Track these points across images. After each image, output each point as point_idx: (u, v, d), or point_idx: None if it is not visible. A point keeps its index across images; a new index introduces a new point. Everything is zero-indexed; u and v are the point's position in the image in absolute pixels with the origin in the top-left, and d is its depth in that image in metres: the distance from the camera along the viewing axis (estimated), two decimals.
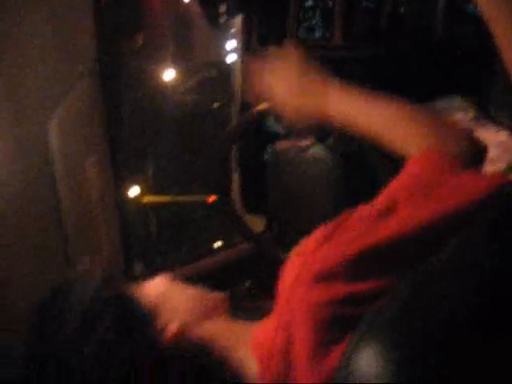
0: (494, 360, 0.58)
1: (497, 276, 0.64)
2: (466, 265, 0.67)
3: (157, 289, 0.99)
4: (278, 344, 0.78)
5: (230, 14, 1.65)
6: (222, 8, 1.60)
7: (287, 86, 0.95)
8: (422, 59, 1.90)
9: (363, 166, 1.84)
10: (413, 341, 0.60)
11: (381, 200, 0.78)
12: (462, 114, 1.53)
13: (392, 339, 0.61)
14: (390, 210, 0.75)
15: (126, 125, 2.20)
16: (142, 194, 2.57)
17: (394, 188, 0.79)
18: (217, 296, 1.00)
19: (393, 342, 0.61)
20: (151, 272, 1.65)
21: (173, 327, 0.91)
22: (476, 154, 0.81)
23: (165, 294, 0.97)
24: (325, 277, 0.73)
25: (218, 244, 2.49)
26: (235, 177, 2.14)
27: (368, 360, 0.60)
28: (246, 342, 0.90)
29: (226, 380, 0.91)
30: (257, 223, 2.09)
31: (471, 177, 0.76)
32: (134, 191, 2.47)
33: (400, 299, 0.65)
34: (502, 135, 1.41)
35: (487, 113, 1.63)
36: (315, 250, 0.79)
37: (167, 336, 0.90)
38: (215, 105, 2.77)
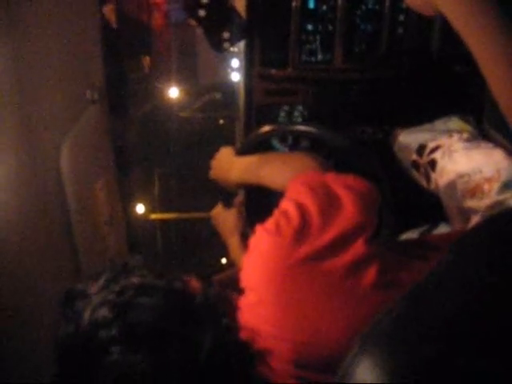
0: (488, 370, 0.59)
1: (493, 289, 0.65)
2: (461, 278, 0.69)
3: None
4: None
5: (233, 40, 1.69)
6: (226, 35, 1.64)
7: None
8: (421, 79, 1.93)
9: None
10: (409, 349, 0.61)
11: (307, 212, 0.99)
12: (457, 135, 1.56)
13: (389, 349, 0.62)
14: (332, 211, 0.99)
15: (134, 145, 2.25)
16: (150, 211, 2.61)
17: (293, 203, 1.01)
18: None
19: (388, 353, 0.62)
20: None
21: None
22: (323, 165, 1.17)
23: None
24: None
25: (225, 260, 2.51)
26: (240, 193, 2.17)
27: (364, 372, 0.61)
28: None
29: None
30: None
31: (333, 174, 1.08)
32: (141, 209, 2.52)
33: (395, 312, 0.67)
34: (497, 154, 1.43)
35: (484, 131, 1.66)
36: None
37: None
38: (220, 121, 2.83)
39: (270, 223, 1.00)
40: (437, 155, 1.56)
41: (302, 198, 1.01)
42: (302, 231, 0.95)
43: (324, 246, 0.94)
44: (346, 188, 1.02)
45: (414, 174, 1.66)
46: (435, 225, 1.65)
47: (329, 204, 0.99)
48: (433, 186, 1.58)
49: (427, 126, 1.73)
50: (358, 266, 0.95)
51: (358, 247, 0.95)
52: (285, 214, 0.99)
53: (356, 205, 0.98)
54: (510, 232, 0.74)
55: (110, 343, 0.85)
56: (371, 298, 0.93)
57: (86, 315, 0.88)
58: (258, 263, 0.98)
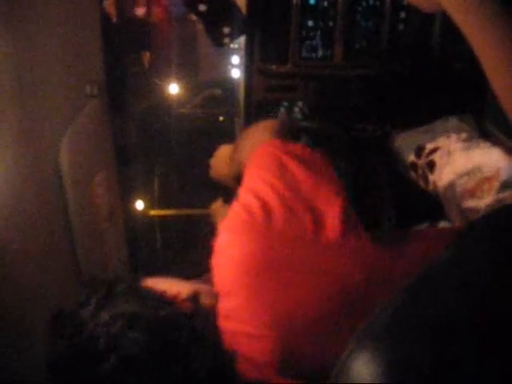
0: (486, 362, 0.60)
1: (492, 284, 0.65)
2: (459, 274, 0.68)
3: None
4: None
5: (234, 35, 1.69)
6: (226, 30, 1.64)
7: None
8: (422, 76, 1.93)
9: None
10: (406, 344, 0.61)
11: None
12: (455, 135, 1.56)
13: (386, 343, 0.62)
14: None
15: (133, 142, 2.24)
16: (149, 207, 2.61)
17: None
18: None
19: (387, 346, 0.62)
20: None
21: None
22: (282, 130, 1.20)
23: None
24: None
25: None
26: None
27: (361, 367, 0.61)
28: None
29: None
30: None
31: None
32: (141, 205, 2.51)
33: (391, 307, 0.67)
34: (496, 153, 1.42)
35: (484, 129, 1.65)
36: None
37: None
38: (220, 118, 2.82)
39: (233, 221, 0.99)
40: (435, 157, 1.55)
41: (263, 191, 0.99)
42: (269, 225, 0.95)
43: (294, 234, 0.94)
44: (304, 167, 1.02)
45: (412, 175, 1.66)
46: (435, 223, 1.65)
47: (290, 190, 0.99)
48: (431, 187, 1.58)
49: (425, 127, 1.73)
50: (337, 253, 0.94)
51: (333, 229, 0.95)
52: (247, 207, 0.98)
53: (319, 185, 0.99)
54: (509, 227, 0.74)
55: (101, 375, 0.84)
56: (360, 287, 0.93)
57: (78, 344, 0.87)
58: (227, 267, 0.96)
